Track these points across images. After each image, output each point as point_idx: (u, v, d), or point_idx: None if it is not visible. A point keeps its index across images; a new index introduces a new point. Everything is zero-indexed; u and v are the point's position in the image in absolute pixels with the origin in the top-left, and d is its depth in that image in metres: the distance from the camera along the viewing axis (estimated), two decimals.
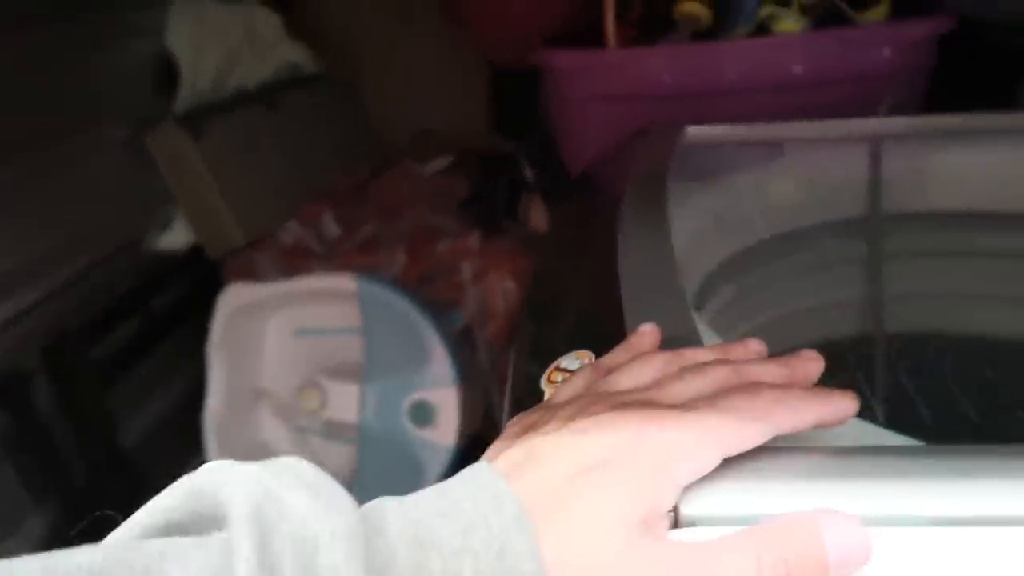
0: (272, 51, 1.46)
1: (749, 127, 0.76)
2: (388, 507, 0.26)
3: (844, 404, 0.30)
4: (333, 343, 1.25)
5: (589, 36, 0.93)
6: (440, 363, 1.09)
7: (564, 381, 0.38)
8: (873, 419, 0.71)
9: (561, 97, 0.95)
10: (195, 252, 1.37)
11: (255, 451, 1.25)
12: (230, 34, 1.41)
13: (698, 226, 0.68)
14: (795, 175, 0.76)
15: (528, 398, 0.42)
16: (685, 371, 0.30)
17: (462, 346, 1.20)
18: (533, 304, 0.64)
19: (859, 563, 0.25)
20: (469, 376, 1.14)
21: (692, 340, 0.39)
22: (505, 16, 0.99)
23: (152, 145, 1.28)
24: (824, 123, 0.76)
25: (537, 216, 1.30)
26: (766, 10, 0.83)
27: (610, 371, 0.32)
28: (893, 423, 0.77)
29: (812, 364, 0.32)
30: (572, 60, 0.90)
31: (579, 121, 0.94)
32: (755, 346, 0.34)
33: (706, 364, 0.30)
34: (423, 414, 1.08)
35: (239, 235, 1.32)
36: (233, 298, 1.19)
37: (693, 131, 0.76)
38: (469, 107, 1.64)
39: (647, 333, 0.36)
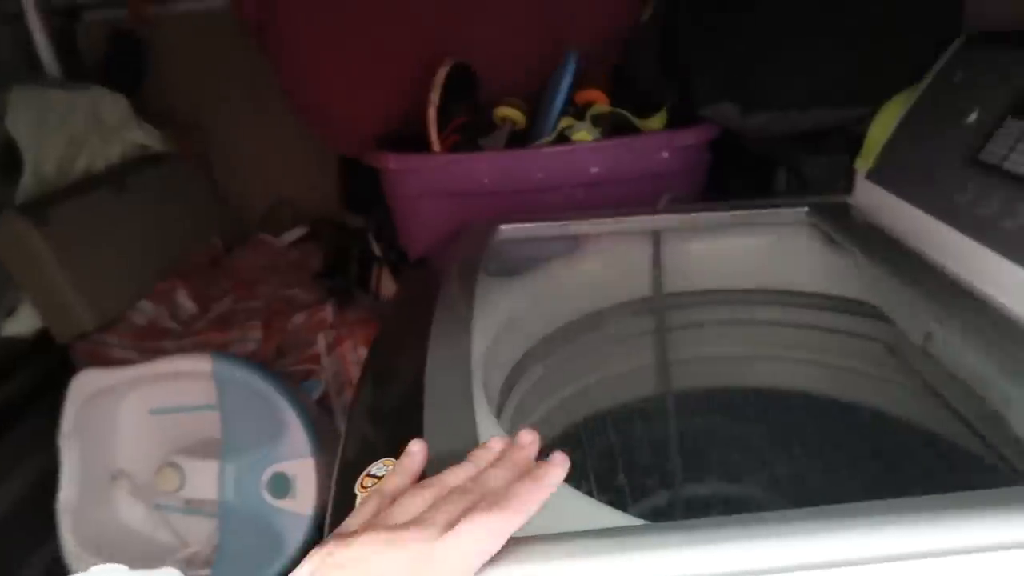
0: (119, 133, 1.48)
1: (553, 224, 0.90)
2: None
3: (554, 475, 0.41)
4: (190, 420, 1.27)
5: (422, 135, 1.05)
6: (296, 435, 1.15)
7: (372, 486, 0.48)
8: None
9: (393, 193, 1.06)
10: (44, 337, 1.36)
11: (113, 534, 1.26)
12: (74, 119, 1.42)
13: (511, 314, 0.80)
14: (592, 263, 0.89)
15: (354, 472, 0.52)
16: (441, 500, 0.40)
17: (321, 415, 1.26)
18: (368, 383, 0.74)
19: None
20: (328, 444, 1.20)
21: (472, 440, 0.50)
22: (340, 116, 1.08)
23: None
24: (615, 219, 0.90)
25: (387, 287, 1.39)
26: (564, 122, 0.98)
27: (393, 498, 0.41)
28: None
29: (529, 449, 0.44)
30: (401, 163, 1.01)
31: (411, 213, 1.05)
32: (497, 444, 0.45)
33: (459, 489, 0.40)
34: (281, 486, 1.14)
35: (88, 319, 1.33)
36: (85, 384, 1.20)
37: (505, 229, 0.88)
38: (321, 179, 1.72)
39: (416, 453, 0.45)
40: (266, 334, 1.36)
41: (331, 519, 0.50)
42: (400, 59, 1.08)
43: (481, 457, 0.44)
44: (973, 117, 0.76)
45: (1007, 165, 0.69)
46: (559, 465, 0.43)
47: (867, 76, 0.90)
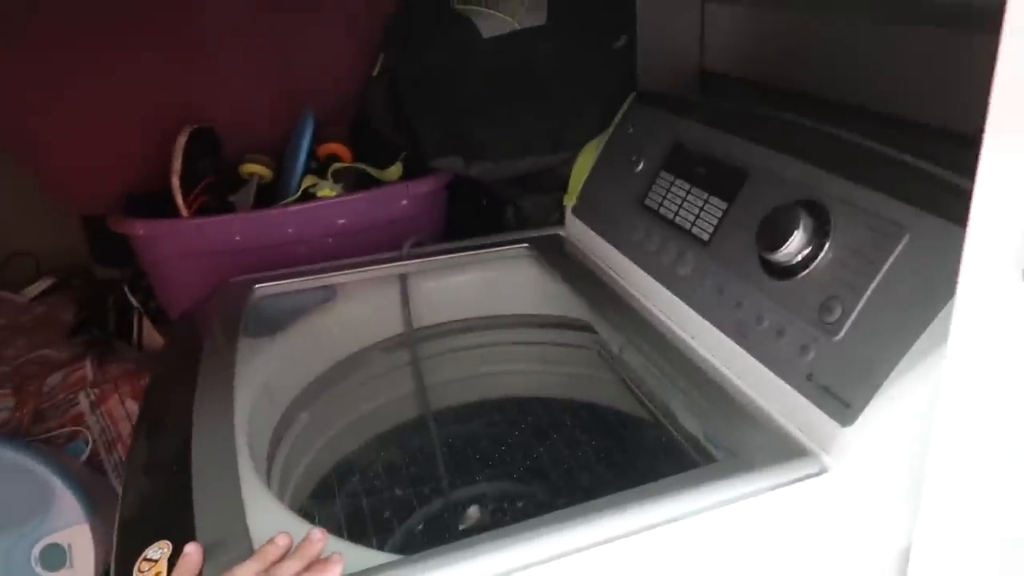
0: None
1: (308, 278, 0.97)
2: None
3: (337, 568, 0.50)
4: None
5: (169, 193, 1.07)
6: (66, 503, 1.12)
7: (149, 570, 0.55)
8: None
9: (144, 257, 1.07)
10: None
11: None
12: None
13: (272, 370, 0.87)
14: (347, 311, 0.99)
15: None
16: None
17: (92, 475, 1.24)
18: (138, 457, 0.77)
19: None
20: (103, 504, 1.19)
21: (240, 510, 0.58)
22: (77, 181, 1.06)
23: None
24: (364, 268, 1.00)
25: (150, 337, 1.38)
26: (308, 180, 1.05)
27: None
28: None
29: (318, 544, 0.53)
30: (150, 229, 1.03)
31: (165, 274, 1.07)
32: (283, 541, 0.53)
33: None
34: (55, 557, 1.11)
35: None
36: None
37: (261, 289, 0.95)
38: (63, 228, 1.63)
39: (191, 554, 0.52)
40: (19, 400, 1.30)
41: None
42: (137, 122, 1.08)
43: (268, 553, 0.52)
44: (640, 167, 0.95)
45: (662, 211, 0.88)
46: (339, 562, 0.51)
47: (563, 128, 1.08)
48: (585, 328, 1.01)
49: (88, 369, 1.32)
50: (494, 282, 1.04)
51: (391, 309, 1.01)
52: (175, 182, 0.99)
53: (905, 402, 0.56)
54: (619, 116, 1.04)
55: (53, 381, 1.33)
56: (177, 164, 0.99)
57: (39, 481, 1.13)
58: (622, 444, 1.02)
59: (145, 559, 0.55)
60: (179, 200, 1.00)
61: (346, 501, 0.96)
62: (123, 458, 1.30)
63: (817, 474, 0.59)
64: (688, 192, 0.85)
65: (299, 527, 0.58)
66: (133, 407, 1.33)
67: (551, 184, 1.12)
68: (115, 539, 0.66)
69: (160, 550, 0.55)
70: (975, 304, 0.41)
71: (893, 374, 0.56)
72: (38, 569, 1.12)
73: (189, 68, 1.11)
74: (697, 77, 1.14)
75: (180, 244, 1.03)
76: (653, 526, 0.56)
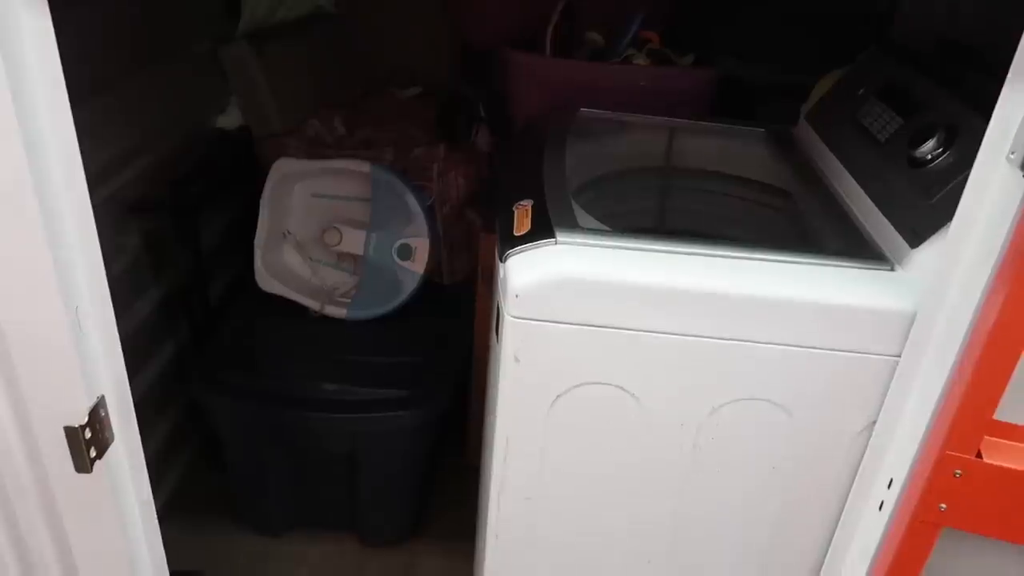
0: None
1: (612, 113, 1.48)
2: None
3: None
4: (344, 205, 1.89)
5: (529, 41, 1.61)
6: (419, 222, 1.77)
7: (522, 208, 1.10)
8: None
9: (513, 77, 1.63)
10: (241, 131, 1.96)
11: (282, 269, 1.90)
12: None
13: (577, 162, 1.40)
14: (631, 141, 1.49)
15: None
16: None
17: (431, 214, 1.87)
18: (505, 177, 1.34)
19: None
20: (433, 235, 1.83)
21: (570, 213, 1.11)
22: (485, 28, 1.64)
23: (225, 56, 1.86)
24: (649, 118, 1.49)
25: (482, 140, 1.98)
26: (629, 51, 1.54)
27: None
28: None
29: None
30: (525, 60, 1.58)
31: (523, 93, 1.62)
32: None
33: None
34: (406, 252, 1.77)
35: (279, 125, 1.93)
36: (282, 167, 1.81)
37: (584, 112, 1.47)
38: (434, 53, 2.27)
39: None
40: (396, 155, 1.96)
41: (501, 225, 1.11)
42: None
43: None
44: (861, 91, 1.34)
45: (864, 123, 1.27)
46: None
47: (819, 55, 1.47)
48: (781, 194, 1.43)
49: (441, 150, 1.95)
50: (733, 149, 1.49)
51: (658, 148, 1.49)
52: (550, 32, 1.52)
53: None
54: (864, 56, 1.42)
55: (417, 151, 1.97)
56: (555, 20, 1.52)
57: (407, 204, 1.78)
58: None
59: (519, 204, 1.10)
60: (548, 45, 1.53)
61: None
62: (451, 211, 1.92)
63: (890, 269, 1.01)
64: (884, 112, 1.24)
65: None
66: (462, 183, 1.94)
67: (793, 95, 1.53)
68: (499, 199, 1.22)
69: (528, 200, 1.10)
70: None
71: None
72: (395, 256, 1.78)
73: None
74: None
75: (538, 74, 1.57)
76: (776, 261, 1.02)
